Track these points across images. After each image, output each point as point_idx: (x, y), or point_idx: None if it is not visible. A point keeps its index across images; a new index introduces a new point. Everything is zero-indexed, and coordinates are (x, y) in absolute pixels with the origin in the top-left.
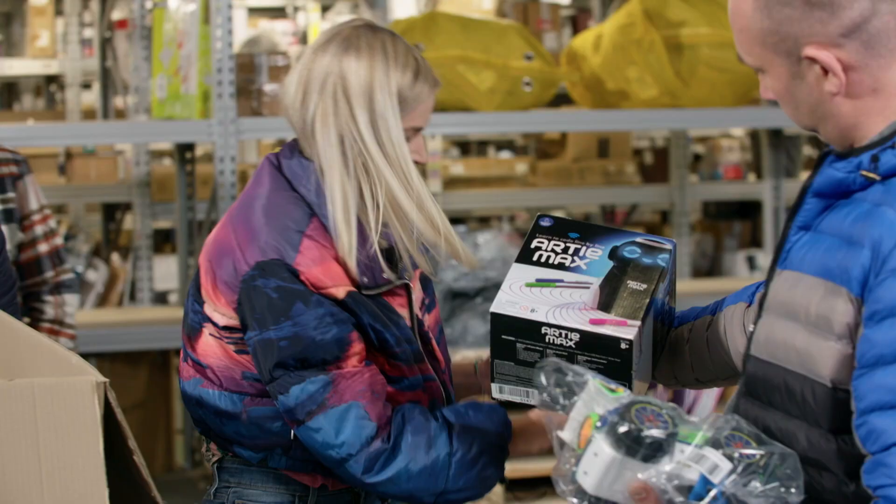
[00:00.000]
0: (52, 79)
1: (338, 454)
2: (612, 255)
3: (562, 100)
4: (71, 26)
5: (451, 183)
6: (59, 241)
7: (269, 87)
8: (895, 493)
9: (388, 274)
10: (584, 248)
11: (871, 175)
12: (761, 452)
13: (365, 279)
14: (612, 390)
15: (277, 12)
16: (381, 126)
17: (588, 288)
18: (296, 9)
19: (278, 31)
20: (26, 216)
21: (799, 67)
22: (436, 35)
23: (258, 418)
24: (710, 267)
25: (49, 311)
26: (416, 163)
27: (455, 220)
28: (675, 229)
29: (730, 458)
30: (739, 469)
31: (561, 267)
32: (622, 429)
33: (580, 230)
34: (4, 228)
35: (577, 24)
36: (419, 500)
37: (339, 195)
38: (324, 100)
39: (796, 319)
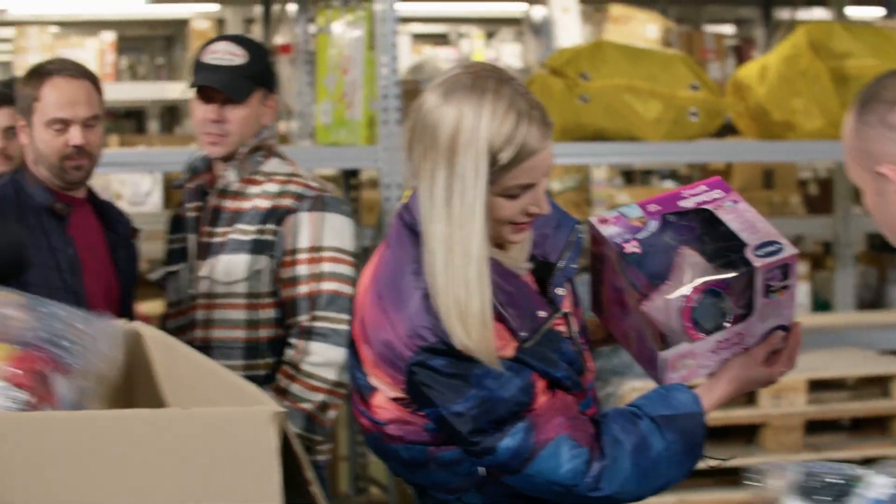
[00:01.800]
0: None
1: (562, 488)
2: None
3: (727, 130)
4: None
5: None
6: (328, 286)
7: None
8: None
9: (542, 312)
10: None
11: None
12: None
13: (523, 334)
14: None
15: (441, 39)
16: (455, 188)
17: None
18: (459, 35)
19: (441, 58)
20: (289, 252)
21: (878, 184)
22: (602, 64)
23: (447, 463)
24: (873, 299)
25: (289, 353)
26: (531, 214)
27: None
28: (838, 261)
29: None
30: None
31: None
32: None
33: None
34: (247, 257)
35: (741, 53)
36: (645, 496)
37: (435, 262)
38: (422, 151)
39: None
